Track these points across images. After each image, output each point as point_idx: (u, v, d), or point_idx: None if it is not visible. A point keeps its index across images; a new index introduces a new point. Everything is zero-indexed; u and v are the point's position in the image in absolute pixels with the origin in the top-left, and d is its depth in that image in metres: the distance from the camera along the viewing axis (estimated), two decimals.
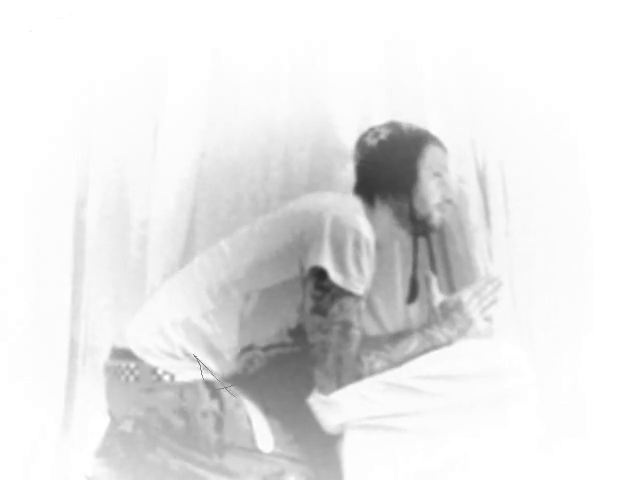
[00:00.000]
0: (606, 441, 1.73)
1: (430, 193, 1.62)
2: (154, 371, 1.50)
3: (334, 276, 1.46)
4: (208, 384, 1.50)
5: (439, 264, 1.84)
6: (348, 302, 1.48)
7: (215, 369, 1.53)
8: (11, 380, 1.87)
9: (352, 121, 1.89)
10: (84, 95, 1.98)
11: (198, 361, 1.51)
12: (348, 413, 1.48)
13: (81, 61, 1.98)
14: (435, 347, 1.55)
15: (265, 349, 1.56)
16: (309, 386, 1.53)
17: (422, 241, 1.72)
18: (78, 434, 1.86)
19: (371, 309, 1.81)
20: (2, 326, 1.88)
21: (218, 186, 1.93)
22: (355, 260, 1.46)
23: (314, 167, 1.90)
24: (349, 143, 1.79)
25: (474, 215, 1.84)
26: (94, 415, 1.74)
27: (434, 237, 1.81)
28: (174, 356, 1.51)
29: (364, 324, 1.60)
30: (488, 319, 1.62)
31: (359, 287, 1.48)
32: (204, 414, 1.47)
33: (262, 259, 1.52)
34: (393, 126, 1.65)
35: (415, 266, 1.68)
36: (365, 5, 1.91)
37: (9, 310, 1.90)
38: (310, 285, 1.49)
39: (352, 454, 1.49)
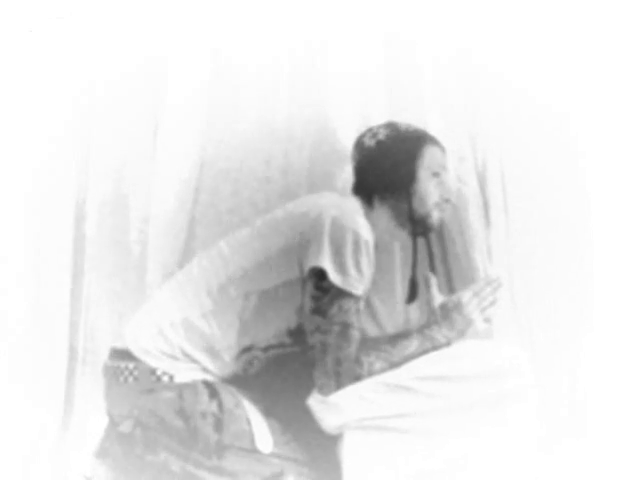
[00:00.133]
0: (606, 441, 1.73)
1: (429, 193, 1.62)
2: (153, 372, 1.50)
3: (333, 277, 1.45)
4: (207, 385, 1.50)
5: (439, 265, 1.84)
6: (347, 303, 1.48)
7: (214, 370, 1.54)
8: (11, 380, 1.87)
9: (352, 121, 1.89)
10: (84, 95, 1.98)
11: None
12: (347, 414, 1.48)
13: (81, 61, 1.98)
14: (435, 348, 1.55)
15: (264, 350, 1.56)
16: (308, 387, 1.53)
17: (421, 241, 1.72)
18: (77, 434, 1.86)
19: (370, 310, 1.81)
20: (2, 326, 1.88)
21: (218, 186, 1.93)
22: (354, 261, 1.46)
23: (314, 167, 1.90)
24: (349, 143, 1.78)
25: (474, 215, 1.84)
26: (93, 415, 1.74)
27: (433, 238, 1.81)
28: (173, 357, 1.51)
29: (363, 325, 1.60)
30: (488, 320, 1.61)
31: (358, 287, 1.48)
32: (203, 415, 1.47)
33: (261, 260, 1.52)
34: (391, 126, 1.65)
35: (415, 266, 1.68)
36: (365, 5, 1.91)
37: (9, 310, 1.90)
38: (309, 286, 1.49)
39: (352, 455, 1.49)
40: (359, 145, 1.67)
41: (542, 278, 1.84)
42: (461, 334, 1.58)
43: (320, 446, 1.54)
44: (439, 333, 1.56)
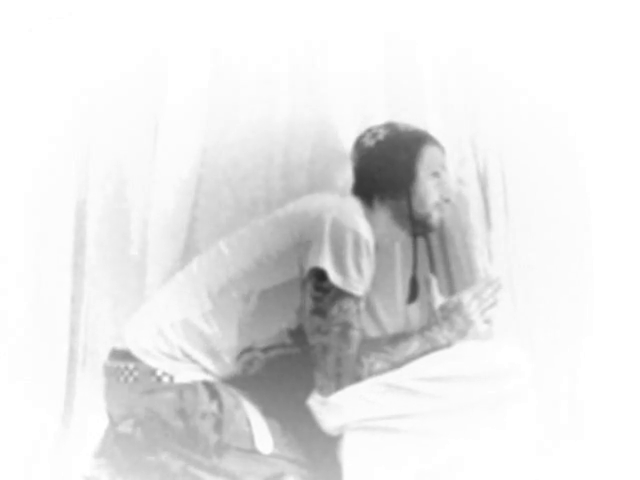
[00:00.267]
0: (605, 443, 1.72)
1: (428, 193, 1.62)
2: (153, 372, 1.51)
3: (334, 277, 1.46)
4: (207, 385, 1.50)
5: (439, 266, 1.84)
6: (348, 303, 1.48)
7: (215, 370, 1.54)
8: (11, 380, 1.87)
9: (352, 121, 1.88)
10: (84, 95, 1.98)
11: None
12: (348, 414, 1.48)
13: (81, 61, 1.97)
14: (435, 349, 1.55)
15: (265, 350, 1.56)
16: (309, 387, 1.53)
17: (422, 242, 1.72)
18: (77, 434, 1.86)
19: (371, 310, 1.81)
20: (2, 326, 1.88)
21: (218, 186, 1.93)
22: (355, 261, 1.46)
23: (314, 167, 1.90)
24: (349, 143, 1.78)
25: (474, 216, 1.84)
26: (93, 416, 1.74)
27: (434, 239, 1.81)
28: (173, 357, 1.51)
29: (364, 325, 1.60)
30: (488, 321, 1.61)
31: (359, 288, 1.48)
32: (203, 415, 1.47)
33: (262, 260, 1.52)
34: (391, 127, 1.65)
35: (415, 266, 1.68)
36: (365, 5, 1.90)
37: (9, 310, 1.90)
38: (310, 286, 1.49)
39: (352, 455, 1.49)
40: (359, 145, 1.67)
41: (542, 278, 1.83)
42: (461, 335, 1.58)
43: (320, 447, 1.54)
44: (439, 334, 1.56)
